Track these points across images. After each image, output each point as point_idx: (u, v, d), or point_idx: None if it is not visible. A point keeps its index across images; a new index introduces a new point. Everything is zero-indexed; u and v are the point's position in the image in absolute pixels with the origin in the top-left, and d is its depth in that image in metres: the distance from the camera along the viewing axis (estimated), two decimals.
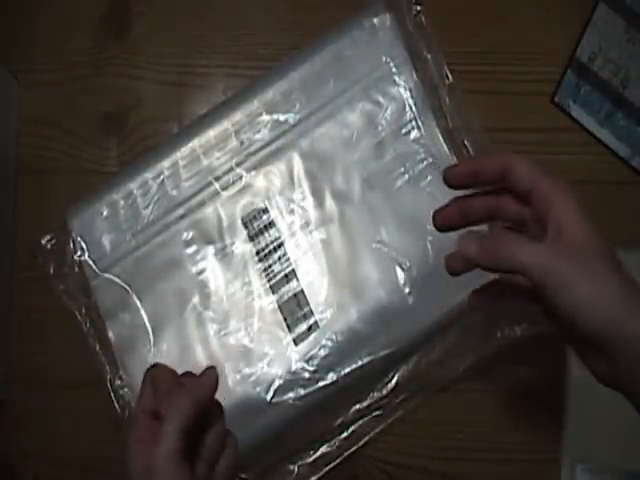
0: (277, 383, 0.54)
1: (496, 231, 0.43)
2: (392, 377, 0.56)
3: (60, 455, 0.61)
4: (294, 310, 0.55)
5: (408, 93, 0.56)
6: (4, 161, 0.62)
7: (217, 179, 0.57)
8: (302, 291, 0.55)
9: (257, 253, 0.56)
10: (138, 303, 0.56)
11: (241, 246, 0.56)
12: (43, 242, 0.59)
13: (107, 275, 0.57)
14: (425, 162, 0.55)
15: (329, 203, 0.56)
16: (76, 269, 0.58)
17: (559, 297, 0.36)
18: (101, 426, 0.59)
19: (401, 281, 0.54)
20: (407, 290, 0.54)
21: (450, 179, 0.42)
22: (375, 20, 0.57)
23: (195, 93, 0.63)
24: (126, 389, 0.56)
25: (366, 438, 0.56)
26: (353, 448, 0.56)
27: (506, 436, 0.56)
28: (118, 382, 0.56)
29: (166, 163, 0.57)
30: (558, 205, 0.40)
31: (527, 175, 0.41)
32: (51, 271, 0.59)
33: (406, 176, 0.55)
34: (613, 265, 0.37)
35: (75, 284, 0.58)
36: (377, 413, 0.56)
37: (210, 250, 0.56)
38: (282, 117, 0.57)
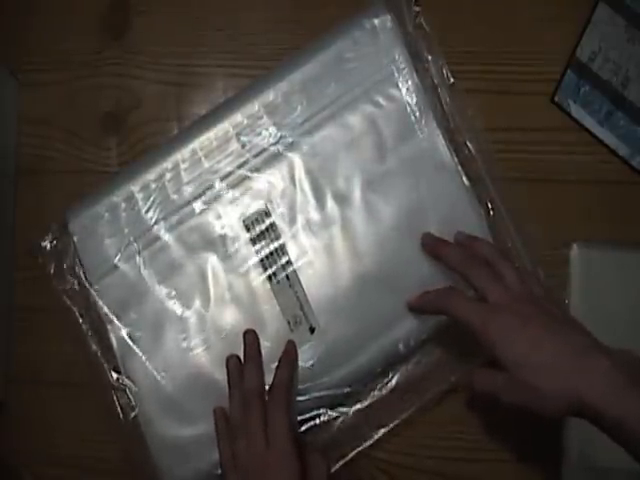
0: None
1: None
2: (392, 377, 0.56)
3: (60, 455, 0.61)
4: (296, 312, 0.55)
5: (409, 94, 0.56)
6: (4, 161, 0.62)
7: (218, 182, 0.57)
8: (304, 293, 0.55)
9: (259, 255, 0.56)
10: (139, 307, 0.56)
11: (243, 248, 0.56)
12: (43, 243, 0.59)
13: (108, 279, 0.57)
14: (426, 163, 0.55)
15: (330, 205, 0.56)
16: (76, 270, 0.58)
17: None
18: (101, 426, 0.59)
19: (402, 283, 0.54)
20: (407, 292, 0.54)
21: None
22: (376, 21, 0.57)
23: (195, 93, 0.63)
24: (127, 389, 0.56)
25: (368, 442, 0.56)
26: (355, 451, 0.56)
27: (507, 436, 0.56)
28: (119, 383, 0.56)
29: (167, 165, 0.57)
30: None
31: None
32: (51, 271, 0.59)
33: (407, 177, 0.55)
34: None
35: (75, 284, 0.58)
36: (379, 416, 0.56)
37: (211, 252, 0.56)
38: (283, 119, 0.57)
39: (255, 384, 0.53)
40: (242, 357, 0.55)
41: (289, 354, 0.54)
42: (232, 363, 0.54)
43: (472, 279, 0.49)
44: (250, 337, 0.55)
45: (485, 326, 0.46)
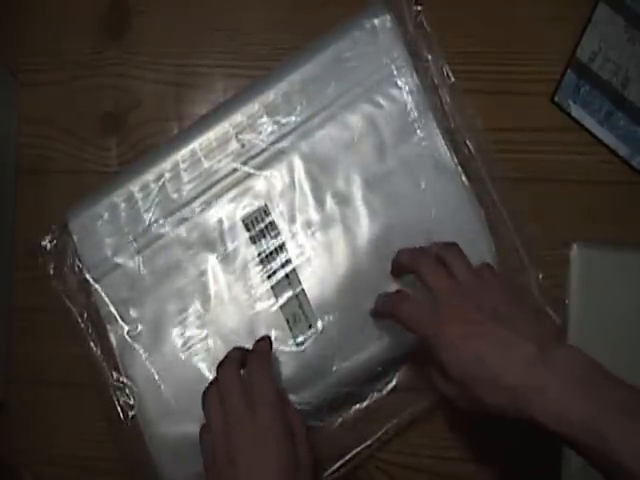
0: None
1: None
2: (392, 377, 0.56)
3: (60, 455, 0.61)
4: (296, 311, 0.55)
5: (409, 94, 0.56)
6: (4, 161, 0.62)
7: (218, 181, 0.57)
8: (304, 292, 0.55)
9: (258, 255, 0.56)
10: (139, 306, 0.56)
11: (242, 248, 0.56)
12: (43, 243, 0.59)
13: (108, 278, 0.57)
14: (426, 163, 0.55)
15: (330, 205, 0.56)
16: (76, 270, 0.58)
17: None
18: (101, 426, 0.59)
19: (402, 282, 0.54)
20: (408, 291, 0.54)
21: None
22: (376, 21, 0.57)
23: (195, 93, 0.63)
24: (126, 389, 0.56)
25: (368, 442, 0.56)
26: (355, 450, 0.56)
27: (506, 436, 0.56)
28: (118, 383, 0.56)
29: (167, 165, 0.57)
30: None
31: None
32: (51, 271, 0.59)
33: (407, 177, 0.55)
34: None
35: (75, 284, 0.58)
36: (378, 416, 0.56)
37: (211, 252, 0.56)
38: (283, 119, 0.57)
39: (229, 357, 0.51)
40: None
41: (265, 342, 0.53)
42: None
43: (420, 274, 0.48)
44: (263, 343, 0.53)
45: (430, 338, 0.45)
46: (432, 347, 0.45)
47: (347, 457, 0.56)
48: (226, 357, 0.51)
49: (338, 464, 0.55)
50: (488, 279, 0.48)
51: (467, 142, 0.57)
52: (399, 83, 0.56)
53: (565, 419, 0.39)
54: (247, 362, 0.51)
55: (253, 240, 0.56)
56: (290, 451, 0.46)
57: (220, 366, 0.50)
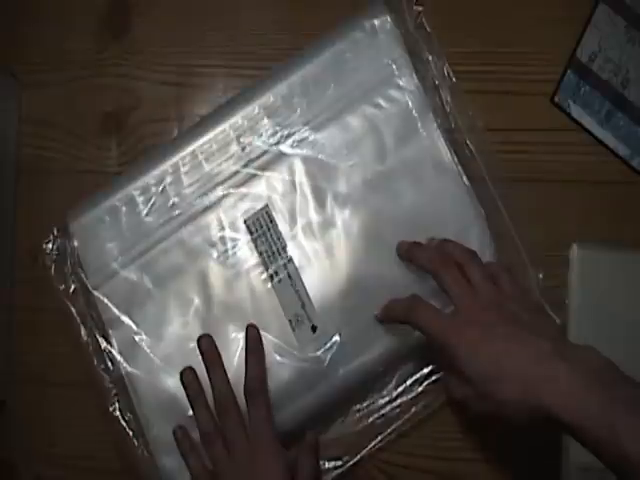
0: (280, 385, 0.54)
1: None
2: (393, 378, 0.56)
3: (60, 455, 0.61)
4: (297, 311, 0.55)
5: (409, 95, 0.56)
6: (4, 161, 0.62)
7: (219, 184, 0.57)
8: (305, 293, 0.55)
9: (260, 256, 0.56)
10: (140, 309, 0.56)
11: (244, 249, 0.56)
12: (44, 246, 0.59)
13: (109, 281, 0.56)
14: (427, 164, 0.55)
15: (331, 206, 0.56)
16: (77, 272, 0.58)
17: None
18: (101, 426, 0.59)
19: (403, 282, 0.54)
20: (408, 291, 0.54)
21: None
22: (376, 22, 0.57)
23: (195, 93, 0.63)
24: (127, 390, 0.56)
25: (370, 443, 0.56)
26: (360, 455, 0.56)
27: (507, 436, 0.56)
28: (119, 383, 0.56)
29: (168, 169, 0.57)
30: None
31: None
32: (52, 273, 0.59)
33: (408, 178, 0.55)
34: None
35: (76, 286, 0.58)
36: (379, 417, 0.56)
37: (213, 255, 0.56)
38: (283, 121, 0.57)
39: (226, 387, 0.53)
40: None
41: (254, 341, 0.54)
42: (187, 376, 0.54)
43: (441, 280, 0.49)
44: (206, 342, 0.54)
45: (448, 341, 0.46)
46: (450, 352, 0.46)
47: (347, 458, 0.56)
48: (224, 397, 0.52)
49: (338, 464, 0.55)
50: (505, 286, 0.49)
51: (467, 142, 0.57)
52: (399, 84, 0.56)
53: (578, 410, 0.40)
54: (245, 396, 0.52)
55: (255, 242, 0.56)
56: None
57: (222, 411, 0.52)
